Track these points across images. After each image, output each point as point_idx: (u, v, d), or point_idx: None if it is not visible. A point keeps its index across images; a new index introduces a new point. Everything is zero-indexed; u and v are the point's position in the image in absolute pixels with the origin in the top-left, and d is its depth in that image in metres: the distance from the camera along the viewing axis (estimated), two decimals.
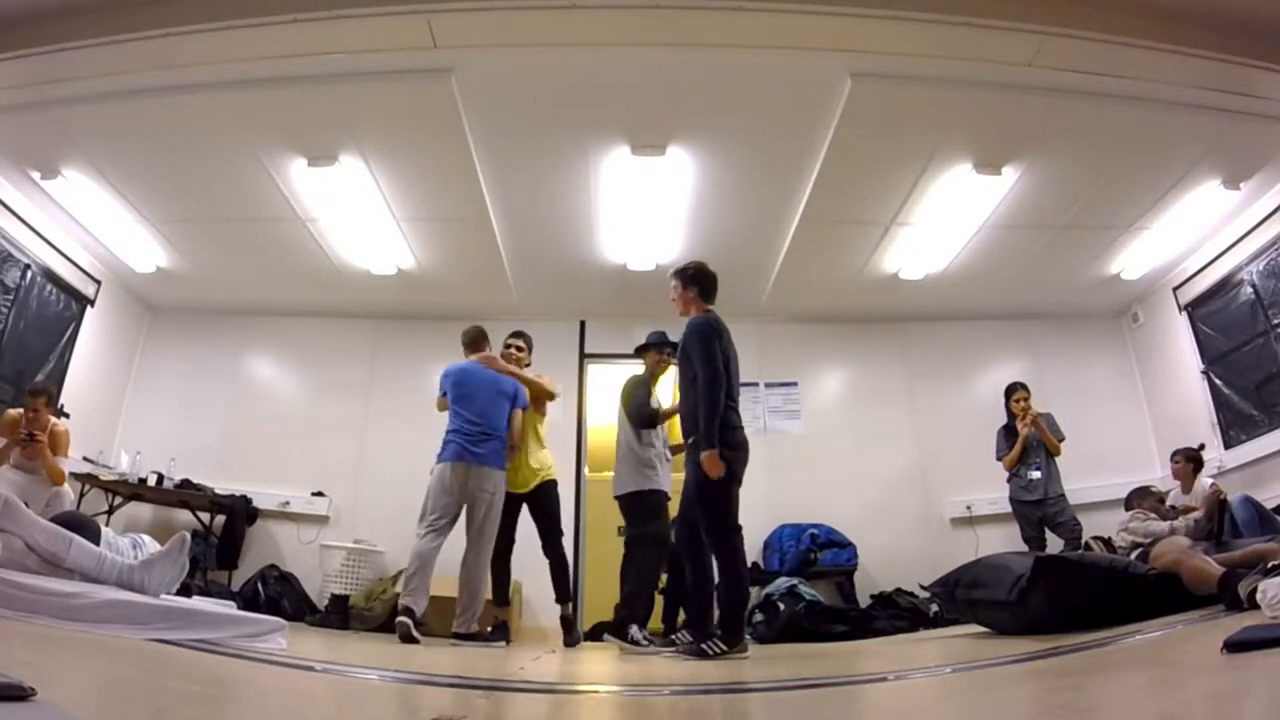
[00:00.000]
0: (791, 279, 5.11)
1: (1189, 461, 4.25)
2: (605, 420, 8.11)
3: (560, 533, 4.13)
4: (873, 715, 1.51)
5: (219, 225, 4.75)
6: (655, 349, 4.23)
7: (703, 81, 3.58)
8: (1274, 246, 4.53)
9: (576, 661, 3.17)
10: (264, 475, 5.45)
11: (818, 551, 5.03)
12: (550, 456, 4.26)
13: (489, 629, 3.94)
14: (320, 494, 5.47)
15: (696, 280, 3.35)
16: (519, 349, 4.28)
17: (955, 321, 5.92)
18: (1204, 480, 4.18)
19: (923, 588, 4.22)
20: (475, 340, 4.18)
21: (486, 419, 3.91)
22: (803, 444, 5.67)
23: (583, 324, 5.98)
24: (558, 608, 4.10)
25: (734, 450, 3.06)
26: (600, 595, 6.64)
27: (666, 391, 4.53)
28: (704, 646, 2.93)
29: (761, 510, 5.06)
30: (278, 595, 4.84)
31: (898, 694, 1.78)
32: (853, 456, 5.62)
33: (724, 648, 2.89)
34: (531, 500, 4.10)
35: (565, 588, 4.07)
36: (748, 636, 3.15)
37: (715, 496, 3.04)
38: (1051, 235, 4.79)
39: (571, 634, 4.08)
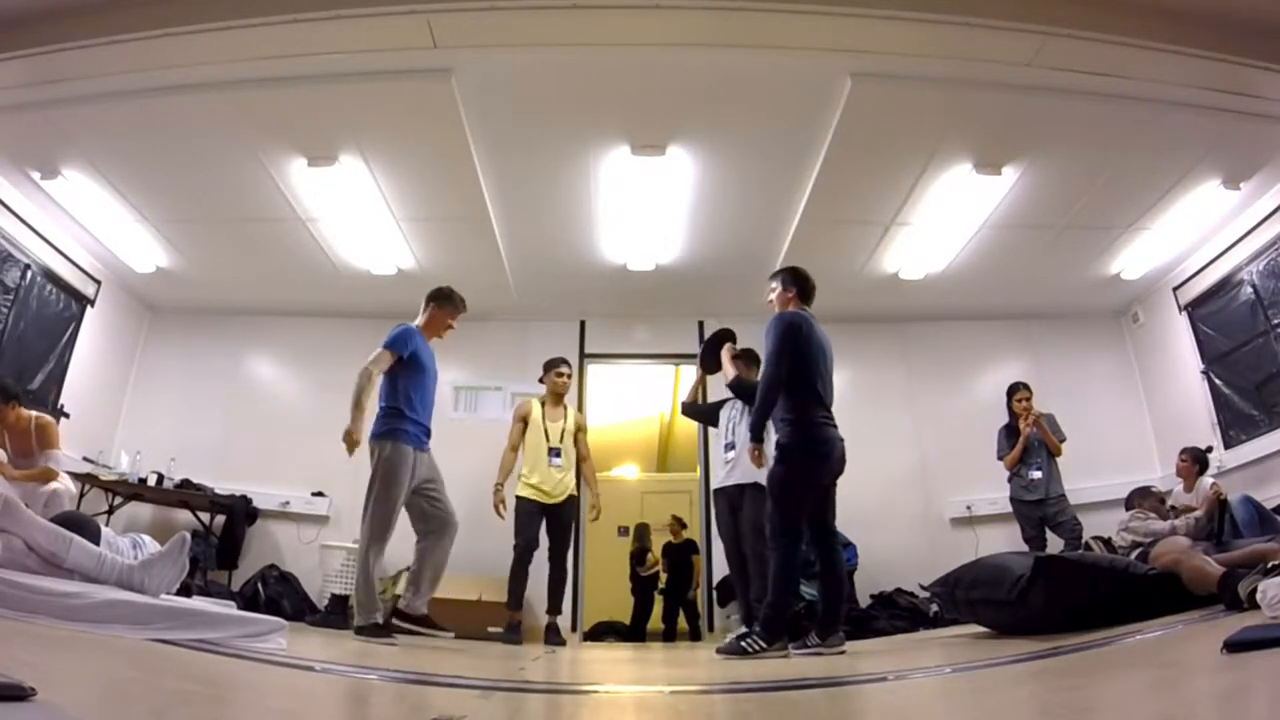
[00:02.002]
0: None
1: (1195, 462, 4.27)
2: (606, 420, 8.16)
3: (568, 546, 4.39)
4: (873, 715, 1.51)
5: (219, 225, 4.75)
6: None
7: (703, 81, 3.57)
8: (1274, 246, 4.53)
9: (576, 662, 3.18)
10: (264, 475, 5.45)
11: None
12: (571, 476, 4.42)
13: (504, 629, 4.06)
14: (320, 494, 5.47)
15: (797, 281, 3.38)
16: (569, 376, 4.57)
17: (955, 321, 5.92)
18: (1205, 480, 4.19)
19: (923, 588, 4.23)
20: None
21: None
22: None
23: (583, 324, 5.98)
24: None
25: (804, 450, 3.07)
26: (600, 595, 6.66)
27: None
28: (744, 644, 2.96)
29: None
30: (278, 595, 4.85)
31: (898, 694, 1.78)
32: (853, 456, 5.57)
33: (763, 645, 2.93)
34: (554, 511, 4.27)
35: (558, 601, 4.32)
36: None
37: (774, 495, 3.08)
38: (1051, 235, 4.79)
39: (557, 638, 4.29)
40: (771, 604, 3.01)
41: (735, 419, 4.14)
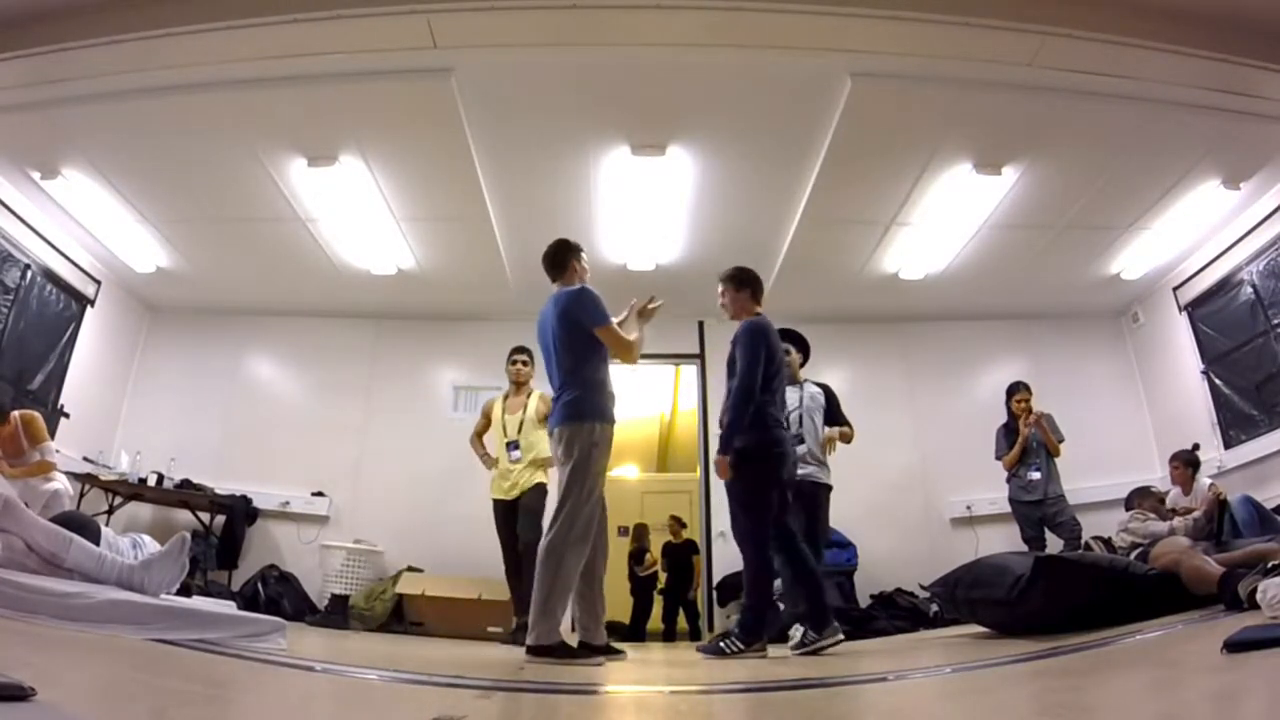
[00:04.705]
0: (791, 279, 5.11)
1: (1187, 465, 4.26)
2: None
3: (537, 540, 4.18)
4: (873, 715, 1.51)
5: (219, 225, 4.75)
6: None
7: (703, 81, 3.57)
8: (1274, 246, 4.53)
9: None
10: (264, 475, 5.45)
11: None
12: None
13: (509, 630, 4.00)
14: (320, 494, 5.47)
15: (749, 283, 3.36)
16: (524, 364, 4.31)
17: (955, 321, 5.92)
18: (1202, 480, 4.19)
19: (923, 588, 4.23)
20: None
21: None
22: None
23: None
24: None
25: (763, 451, 3.06)
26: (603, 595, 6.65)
27: None
28: (722, 645, 2.97)
29: None
30: (278, 595, 4.84)
31: (898, 694, 1.78)
32: (853, 456, 5.60)
33: (741, 646, 2.93)
34: (514, 507, 4.07)
35: None
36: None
37: (743, 501, 3.08)
38: (1051, 235, 4.79)
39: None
40: (750, 606, 3.03)
41: (805, 409, 4.04)
